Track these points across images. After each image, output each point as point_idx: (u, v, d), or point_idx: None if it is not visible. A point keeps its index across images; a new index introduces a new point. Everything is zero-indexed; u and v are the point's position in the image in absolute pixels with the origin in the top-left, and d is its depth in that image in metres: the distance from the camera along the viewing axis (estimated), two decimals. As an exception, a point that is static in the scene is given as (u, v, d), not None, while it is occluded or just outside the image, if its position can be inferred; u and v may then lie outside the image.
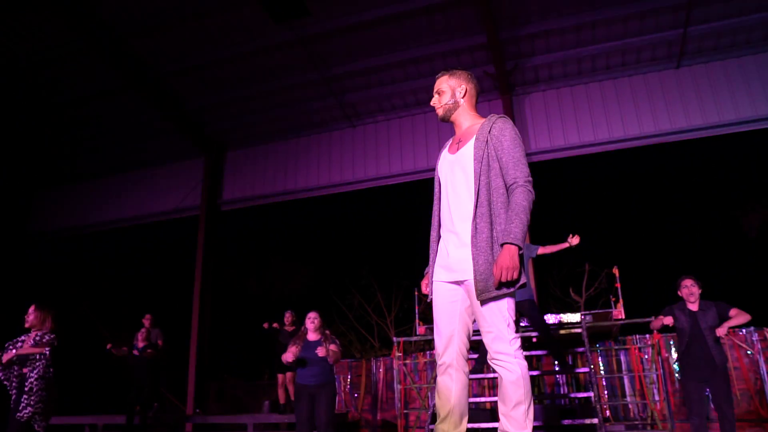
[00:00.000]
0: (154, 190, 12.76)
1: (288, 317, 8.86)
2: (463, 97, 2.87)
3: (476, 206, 2.58)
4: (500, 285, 2.46)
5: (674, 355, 5.26)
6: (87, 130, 12.00)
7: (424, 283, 2.90)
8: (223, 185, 12.35)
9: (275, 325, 8.84)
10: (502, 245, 2.48)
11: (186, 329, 11.51)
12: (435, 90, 2.93)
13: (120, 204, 12.97)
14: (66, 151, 12.65)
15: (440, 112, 2.89)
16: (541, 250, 6.55)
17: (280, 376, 8.81)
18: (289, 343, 5.80)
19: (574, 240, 6.32)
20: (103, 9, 9.01)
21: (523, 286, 2.54)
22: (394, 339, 9.08)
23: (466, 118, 2.88)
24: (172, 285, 15.92)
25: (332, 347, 5.65)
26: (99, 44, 9.50)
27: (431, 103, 2.95)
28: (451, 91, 2.88)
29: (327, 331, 5.92)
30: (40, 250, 13.63)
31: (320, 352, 5.45)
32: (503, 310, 2.51)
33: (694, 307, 5.17)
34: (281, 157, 12.00)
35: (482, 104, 10.41)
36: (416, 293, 9.19)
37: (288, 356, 5.49)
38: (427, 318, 8.85)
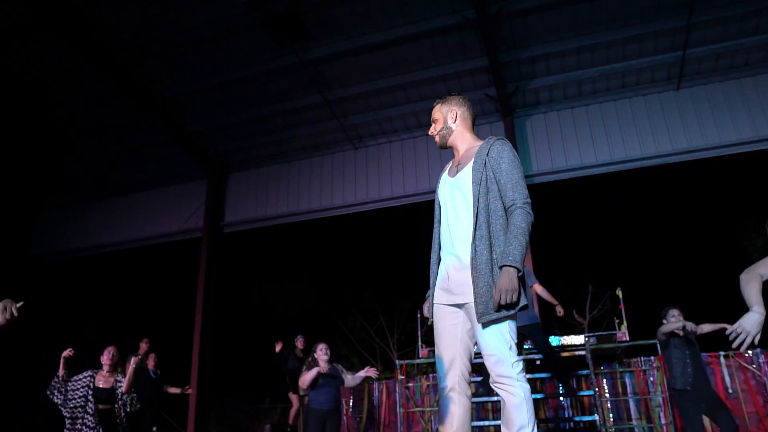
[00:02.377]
0: (157, 211, 12.79)
1: (301, 342, 8.95)
2: (455, 122, 2.90)
3: (475, 229, 2.58)
4: (500, 307, 2.45)
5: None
6: (90, 152, 12.07)
7: (425, 307, 2.89)
8: (226, 207, 12.37)
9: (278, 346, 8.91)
10: (501, 268, 2.48)
11: (187, 351, 11.43)
12: (431, 119, 2.99)
13: (123, 226, 12.99)
14: (69, 173, 12.71)
15: (437, 139, 2.94)
16: (537, 287, 6.65)
17: (295, 397, 8.71)
18: (303, 369, 6.03)
19: (559, 310, 6.64)
20: (108, 33, 9.13)
21: (525, 308, 2.53)
22: (397, 362, 9.01)
23: (464, 141, 2.90)
24: (174, 307, 15.86)
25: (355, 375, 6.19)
26: (103, 68, 9.62)
27: (429, 132, 3.00)
28: (443, 118, 2.92)
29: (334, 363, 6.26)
30: (42, 272, 13.62)
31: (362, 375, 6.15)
32: (504, 333, 2.49)
33: (680, 333, 5.42)
34: (283, 179, 12.04)
35: (484, 126, 10.47)
36: (418, 315, 9.14)
37: (310, 375, 5.90)
38: (430, 340, 8.78)
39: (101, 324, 14.96)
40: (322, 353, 6.01)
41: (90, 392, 5.52)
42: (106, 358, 5.74)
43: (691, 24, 8.77)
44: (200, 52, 9.57)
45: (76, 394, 5.48)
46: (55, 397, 5.43)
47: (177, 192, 12.79)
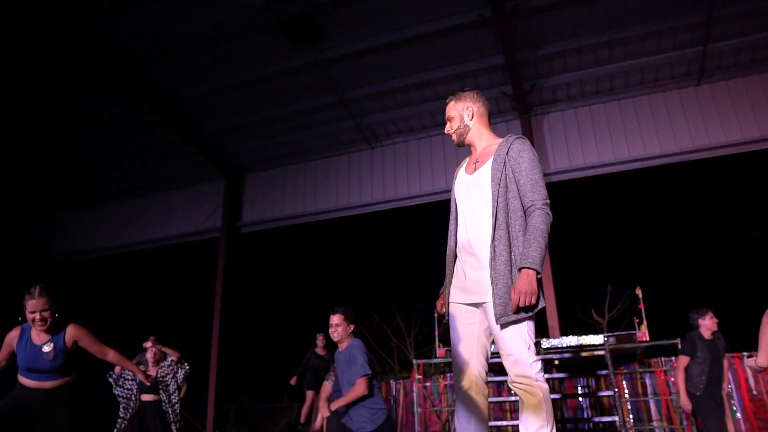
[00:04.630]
0: (175, 212, 12.91)
1: (320, 340, 8.96)
2: (471, 119, 2.85)
3: (494, 229, 2.56)
4: (518, 310, 2.43)
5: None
6: (109, 154, 12.22)
7: (439, 303, 2.87)
8: (243, 207, 12.45)
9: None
10: (520, 269, 2.45)
11: (205, 351, 11.52)
12: (446, 117, 2.92)
13: (141, 226, 13.13)
14: (88, 174, 12.87)
15: (454, 138, 2.89)
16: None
17: (310, 393, 8.72)
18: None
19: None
20: (123, 36, 9.20)
21: (543, 309, 2.50)
22: (414, 361, 8.98)
23: (481, 138, 2.86)
24: (193, 306, 15.99)
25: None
26: (118, 71, 9.71)
27: (445, 131, 2.94)
28: (459, 116, 2.87)
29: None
30: (61, 273, 13.79)
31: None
32: (523, 332, 2.47)
33: (708, 336, 5.53)
34: (300, 179, 12.09)
35: (500, 125, 10.41)
36: (435, 315, 9.10)
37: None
38: (447, 340, 8.74)
39: (119, 324, 15.13)
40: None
41: (136, 384, 6.19)
42: (150, 355, 6.38)
43: (712, 18, 8.62)
44: (215, 53, 9.62)
45: (125, 385, 6.16)
46: (112, 380, 6.13)
47: (195, 192, 12.90)
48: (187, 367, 6.50)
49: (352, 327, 4.74)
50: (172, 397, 6.16)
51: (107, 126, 11.33)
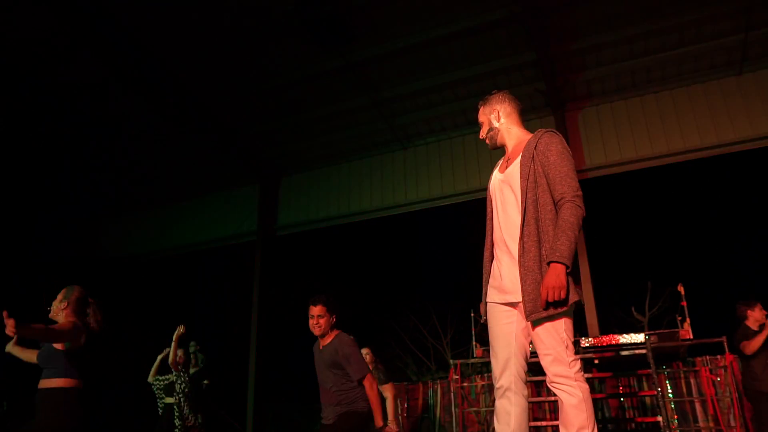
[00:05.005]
0: (211, 216, 13.14)
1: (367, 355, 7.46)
2: (499, 121, 2.87)
3: (523, 225, 2.53)
4: (548, 305, 2.39)
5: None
6: (145, 160, 12.48)
7: (482, 307, 2.85)
8: (279, 210, 12.60)
9: None
10: (548, 264, 2.42)
11: (243, 353, 11.70)
12: (479, 122, 2.99)
13: (178, 231, 13.40)
14: (129, 179, 13.18)
15: (487, 142, 2.95)
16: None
17: None
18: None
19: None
20: (159, 48, 9.38)
21: (579, 304, 2.46)
22: (451, 361, 8.95)
23: (511, 137, 2.86)
24: (230, 308, 16.28)
25: None
26: (154, 80, 9.90)
27: (480, 137, 3.00)
28: (488, 120, 2.91)
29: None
30: (100, 276, 14.12)
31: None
32: (560, 330, 2.43)
33: (756, 329, 5.34)
34: (334, 181, 12.17)
35: (534, 121, 10.27)
36: (472, 314, 9.06)
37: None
38: (484, 340, 8.68)
39: (155, 327, 15.47)
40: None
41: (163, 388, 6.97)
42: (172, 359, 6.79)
43: (754, 3, 8.33)
44: (247, 58, 9.72)
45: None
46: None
47: (231, 196, 13.12)
48: (205, 382, 7.13)
49: (334, 318, 4.31)
50: (182, 403, 6.62)
51: (142, 133, 11.57)
